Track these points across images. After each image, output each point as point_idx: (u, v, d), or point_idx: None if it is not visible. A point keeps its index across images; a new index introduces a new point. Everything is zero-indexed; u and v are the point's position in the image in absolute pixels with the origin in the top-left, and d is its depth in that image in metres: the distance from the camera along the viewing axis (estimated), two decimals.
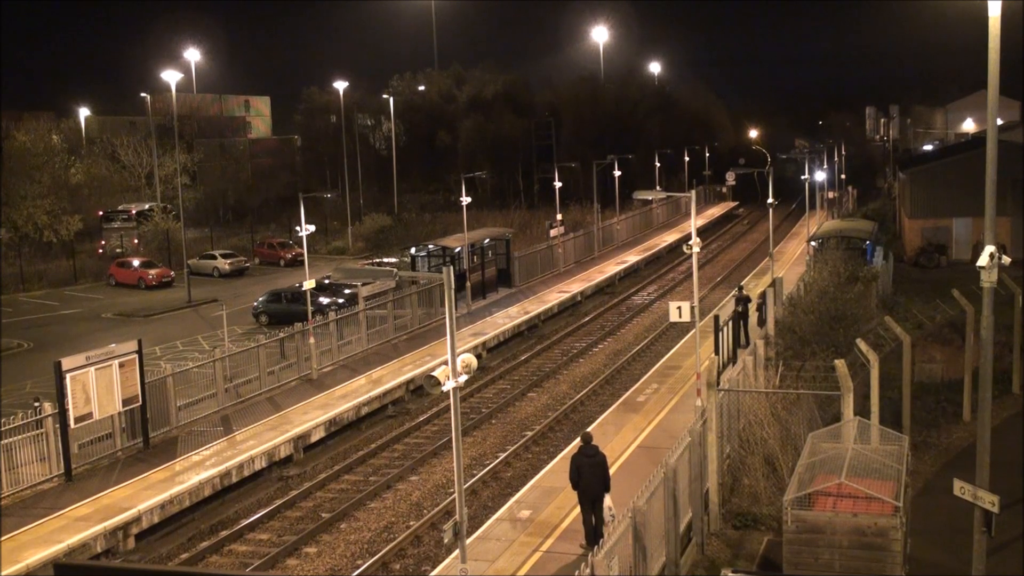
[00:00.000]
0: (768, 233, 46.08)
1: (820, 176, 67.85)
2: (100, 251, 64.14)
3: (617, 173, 65.50)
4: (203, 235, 69.00)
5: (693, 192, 25.52)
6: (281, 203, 78.27)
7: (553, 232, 52.66)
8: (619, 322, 41.17)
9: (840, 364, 18.66)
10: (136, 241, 63.87)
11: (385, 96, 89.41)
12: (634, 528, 13.51)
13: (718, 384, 18.55)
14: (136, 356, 23.20)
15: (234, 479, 22.41)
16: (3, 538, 18.44)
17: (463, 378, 12.36)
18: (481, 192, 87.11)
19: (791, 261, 51.73)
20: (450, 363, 12.15)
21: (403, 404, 29.42)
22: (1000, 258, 12.81)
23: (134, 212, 67.13)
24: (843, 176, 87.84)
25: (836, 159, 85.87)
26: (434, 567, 17.73)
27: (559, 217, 54.96)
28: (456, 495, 12.47)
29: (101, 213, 67.75)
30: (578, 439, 17.68)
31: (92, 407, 21.89)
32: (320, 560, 19.16)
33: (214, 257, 58.73)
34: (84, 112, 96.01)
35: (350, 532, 20.39)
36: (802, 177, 53.14)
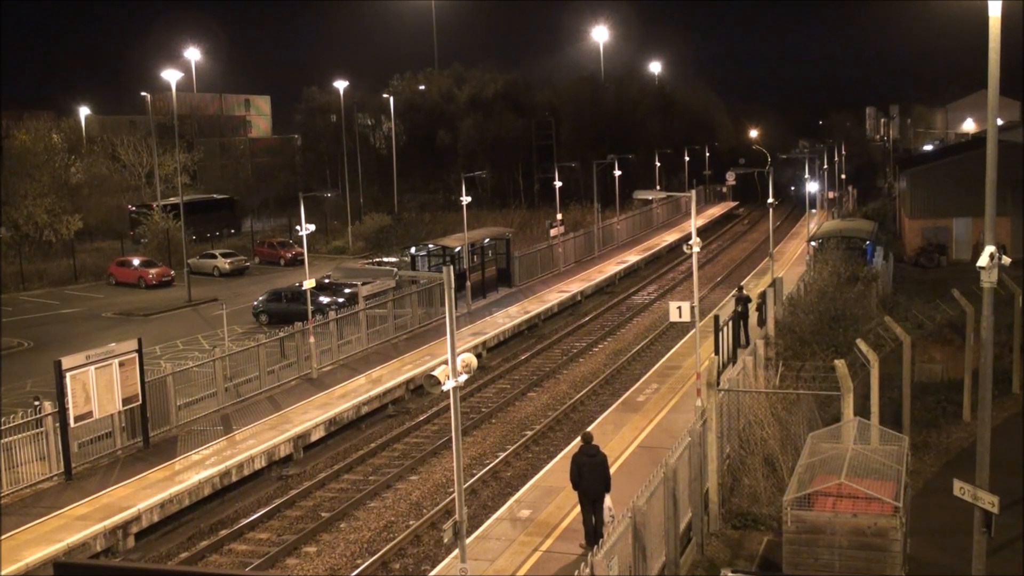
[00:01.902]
0: (768, 233, 46.09)
1: (813, 187, 68.09)
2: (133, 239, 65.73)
3: (617, 173, 65.50)
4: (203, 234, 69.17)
5: (693, 192, 25.51)
6: (281, 202, 78.31)
7: (553, 232, 52.66)
8: (619, 322, 41.18)
9: (840, 364, 18.66)
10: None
11: (385, 96, 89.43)
12: (634, 528, 13.51)
13: (718, 384, 18.56)
14: (136, 355, 23.19)
15: (234, 478, 22.41)
16: (3, 537, 18.44)
17: (463, 378, 12.36)
18: (481, 192, 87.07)
19: (791, 261, 51.74)
20: (450, 363, 12.15)
21: (403, 403, 29.42)
22: (1000, 258, 12.81)
23: (155, 207, 67.84)
24: (843, 176, 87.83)
25: (836, 159, 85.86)
26: (434, 566, 17.73)
27: (559, 217, 54.96)
28: (456, 494, 12.47)
29: (131, 208, 68.65)
30: (578, 439, 17.68)
31: (92, 406, 21.89)
32: (320, 559, 19.16)
33: (214, 256, 58.76)
34: (84, 111, 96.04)
35: (350, 531, 20.39)
36: (791, 188, 52.90)
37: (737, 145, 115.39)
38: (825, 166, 79.55)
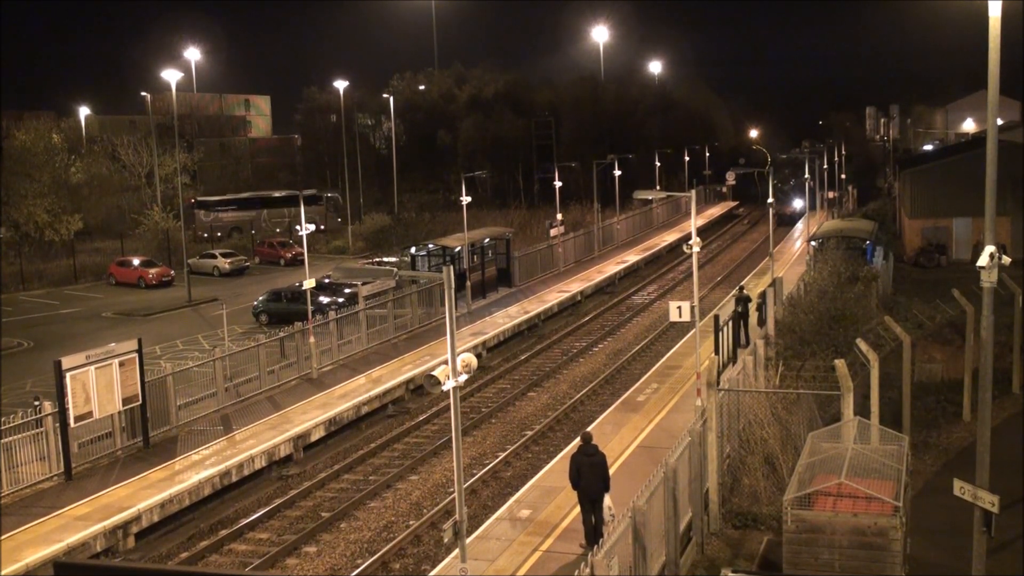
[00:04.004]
0: (768, 233, 46.08)
1: (799, 203, 68.07)
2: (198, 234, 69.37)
3: (617, 173, 65.51)
4: (203, 234, 69.31)
5: (693, 192, 25.50)
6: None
7: (553, 232, 52.67)
8: (619, 322, 41.18)
9: (840, 364, 18.65)
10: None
11: (385, 96, 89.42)
12: (634, 528, 13.51)
13: (718, 384, 18.55)
14: (136, 355, 23.19)
15: (234, 478, 22.41)
16: (3, 537, 18.44)
17: (463, 377, 12.36)
18: (481, 192, 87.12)
19: (791, 261, 51.73)
20: (450, 362, 12.15)
21: (403, 403, 29.42)
22: (1000, 258, 12.81)
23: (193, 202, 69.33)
24: (843, 176, 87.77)
25: (836, 159, 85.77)
26: (434, 566, 17.72)
27: (559, 217, 54.96)
28: (456, 494, 12.47)
29: (192, 201, 71.54)
30: (578, 439, 17.68)
31: (92, 406, 21.89)
32: (320, 559, 19.16)
33: (214, 256, 58.78)
34: (84, 111, 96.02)
35: (350, 531, 20.40)
36: (771, 205, 51.74)
37: (737, 145, 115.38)
38: (825, 166, 79.44)
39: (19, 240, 59.65)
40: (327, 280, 43.64)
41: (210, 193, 79.49)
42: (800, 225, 63.64)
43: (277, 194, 75.13)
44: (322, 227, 70.82)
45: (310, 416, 26.09)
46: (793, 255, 54.23)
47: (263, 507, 21.71)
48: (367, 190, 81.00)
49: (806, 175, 60.39)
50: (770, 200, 44.82)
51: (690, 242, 23.30)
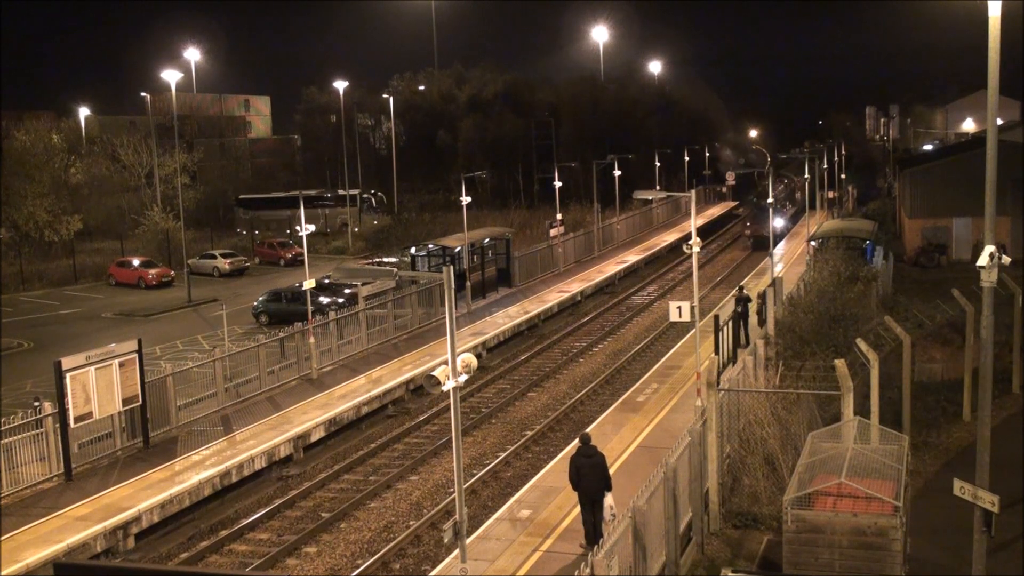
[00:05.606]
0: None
1: (780, 222, 66.81)
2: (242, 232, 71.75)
3: (617, 173, 65.49)
4: (203, 234, 69.23)
5: (693, 192, 25.51)
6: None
7: (553, 232, 52.67)
8: (619, 322, 41.18)
9: (840, 364, 18.66)
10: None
11: (385, 96, 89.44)
12: (634, 528, 13.51)
13: (718, 384, 18.55)
14: (136, 356, 23.18)
15: (234, 479, 22.40)
16: (3, 538, 18.43)
17: (463, 378, 12.35)
18: (481, 192, 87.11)
19: (791, 261, 51.71)
20: (450, 363, 12.15)
21: (403, 404, 29.42)
22: (1000, 258, 12.81)
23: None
24: (843, 176, 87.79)
25: (836, 159, 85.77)
26: (434, 567, 17.73)
27: (559, 217, 54.95)
28: (456, 495, 12.47)
29: (235, 198, 73.86)
30: (577, 439, 17.68)
31: (92, 407, 21.88)
32: (320, 560, 19.16)
33: (214, 257, 58.79)
34: (84, 112, 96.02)
35: (350, 532, 20.40)
36: (749, 235, 49.55)
37: (737, 145, 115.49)
38: (825, 166, 79.42)
39: (19, 240, 59.66)
40: (327, 280, 43.64)
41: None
42: (781, 248, 58.22)
43: (328, 194, 76.53)
44: (355, 228, 71.63)
45: (310, 416, 26.08)
46: (793, 255, 54.16)
47: (263, 507, 21.71)
48: (367, 190, 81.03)
49: (805, 175, 60.19)
50: (770, 200, 44.81)
51: (690, 242, 23.31)
